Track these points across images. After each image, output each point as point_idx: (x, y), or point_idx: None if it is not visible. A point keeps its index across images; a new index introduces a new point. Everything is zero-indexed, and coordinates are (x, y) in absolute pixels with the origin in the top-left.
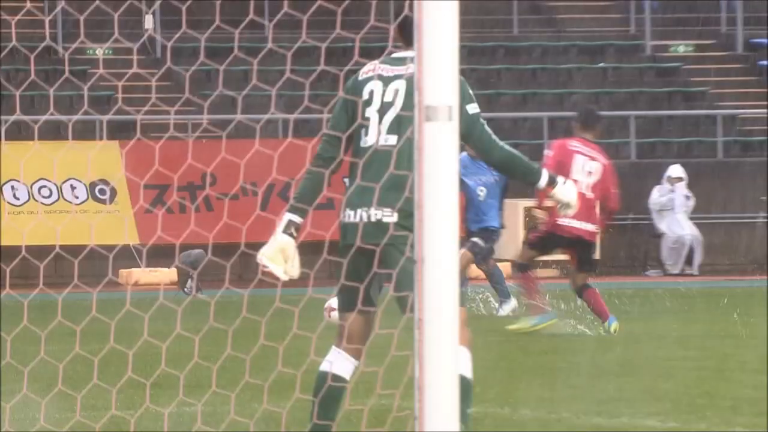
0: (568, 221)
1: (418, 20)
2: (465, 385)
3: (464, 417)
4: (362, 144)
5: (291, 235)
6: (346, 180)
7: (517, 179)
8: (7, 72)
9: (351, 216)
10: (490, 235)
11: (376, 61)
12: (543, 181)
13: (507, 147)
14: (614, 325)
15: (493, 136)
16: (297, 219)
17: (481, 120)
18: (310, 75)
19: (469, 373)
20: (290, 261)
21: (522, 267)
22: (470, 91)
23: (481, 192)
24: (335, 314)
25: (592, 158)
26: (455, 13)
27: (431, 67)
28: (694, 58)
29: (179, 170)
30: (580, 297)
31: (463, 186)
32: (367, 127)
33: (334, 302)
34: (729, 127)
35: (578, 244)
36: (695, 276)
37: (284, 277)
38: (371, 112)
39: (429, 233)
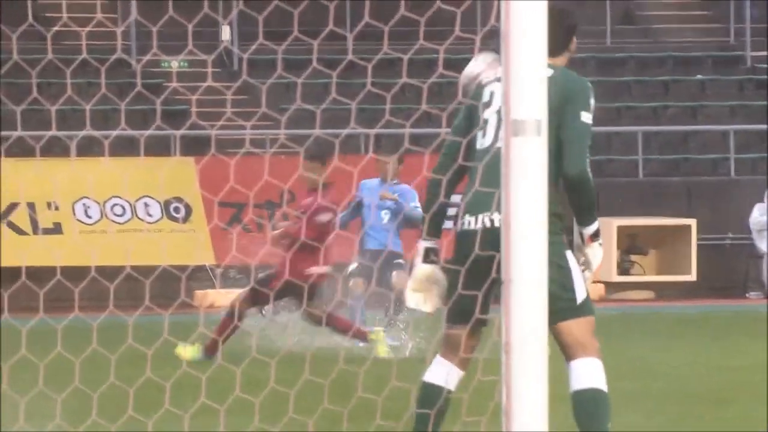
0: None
1: (505, 31)
2: (600, 399)
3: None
4: (479, 146)
5: (432, 261)
6: None
7: (572, 208)
8: (78, 86)
9: (471, 223)
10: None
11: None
12: (590, 230)
13: (590, 175)
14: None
15: (586, 155)
16: (431, 245)
17: (588, 134)
18: (392, 88)
19: (603, 386)
20: (440, 284)
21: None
22: (591, 100)
23: (385, 216)
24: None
25: None
26: (544, 24)
27: (519, 80)
28: None
29: (255, 187)
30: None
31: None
32: (485, 129)
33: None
34: None
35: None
36: None
37: (438, 305)
38: (490, 113)
39: (516, 252)
